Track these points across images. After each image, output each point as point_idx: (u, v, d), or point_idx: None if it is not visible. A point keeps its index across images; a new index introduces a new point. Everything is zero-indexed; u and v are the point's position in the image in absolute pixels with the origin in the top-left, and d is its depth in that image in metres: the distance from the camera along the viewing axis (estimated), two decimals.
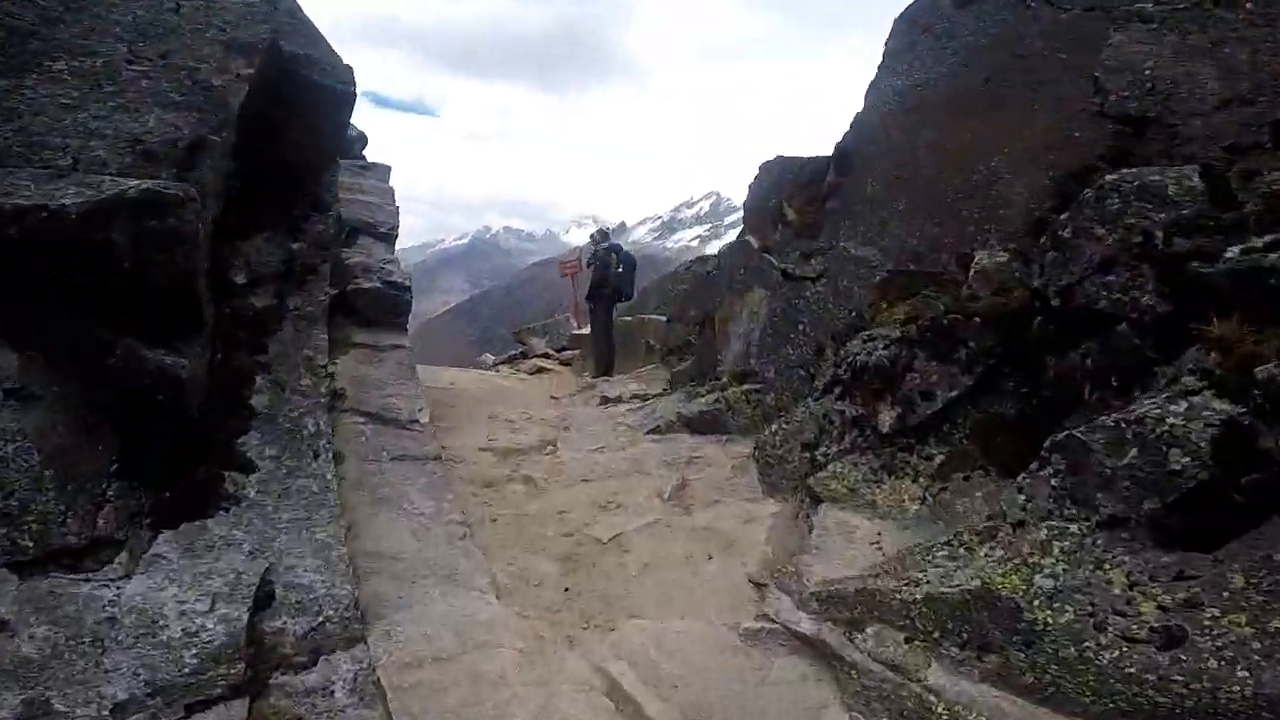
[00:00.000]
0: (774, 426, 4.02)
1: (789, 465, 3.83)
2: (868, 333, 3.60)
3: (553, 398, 7.32)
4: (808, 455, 3.69)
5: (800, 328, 4.56)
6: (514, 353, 12.36)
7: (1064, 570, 2.20)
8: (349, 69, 3.94)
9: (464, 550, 3.33)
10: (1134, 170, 2.59)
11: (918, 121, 4.76)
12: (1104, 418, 2.19)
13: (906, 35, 5.32)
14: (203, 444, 2.92)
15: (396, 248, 5.71)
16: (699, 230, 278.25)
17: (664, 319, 8.36)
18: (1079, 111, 3.75)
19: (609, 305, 8.36)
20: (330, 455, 3.12)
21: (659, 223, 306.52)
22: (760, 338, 4.89)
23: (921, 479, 3.21)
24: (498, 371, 10.81)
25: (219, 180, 2.91)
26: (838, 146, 5.35)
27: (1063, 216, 2.74)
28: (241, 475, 2.97)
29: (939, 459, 3.18)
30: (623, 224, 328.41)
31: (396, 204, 6.24)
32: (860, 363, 3.46)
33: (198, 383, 2.72)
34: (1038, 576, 2.23)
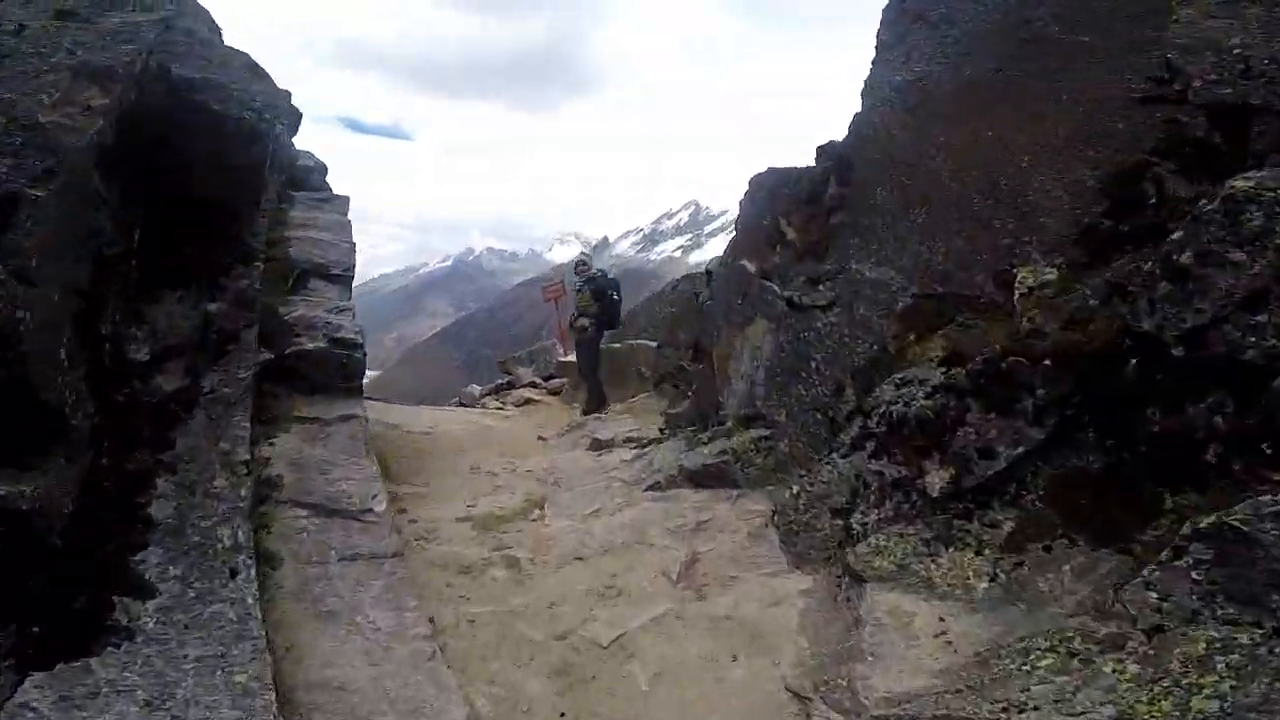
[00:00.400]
0: (795, 488, 3.43)
1: (818, 533, 3.24)
2: (901, 376, 3.03)
3: (540, 439, 6.73)
4: (840, 523, 3.10)
5: (813, 364, 3.99)
6: (500, 382, 11.91)
7: (1232, 688, 1.64)
8: (281, 93, 3.37)
9: (432, 675, 2.70)
10: (1271, 174, 2.04)
11: (924, 120, 4.26)
12: (1270, 499, 1.62)
13: (897, 25, 4.83)
14: (86, 564, 2.29)
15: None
16: (680, 241, 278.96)
17: (654, 344, 7.84)
18: (1115, 99, 3.25)
19: (596, 340, 7.74)
20: (253, 573, 2.49)
21: (641, 235, 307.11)
22: (767, 377, 4.31)
23: (988, 551, 2.63)
24: (484, 407, 10.24)
25: (69, 237, 2.28)
26: (834, 153, 4.82)
27: (1174, 236, 2.18)
28: (136, 602, 2.34)
29: (1008, 526, 2.61)
30: (605, 239, 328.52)
31: (354, 240, 5.62)
32: (897, 414, 2.89)
33: (56, 509, 2.08)
34: (1196, 699, 1.67)
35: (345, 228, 5.61)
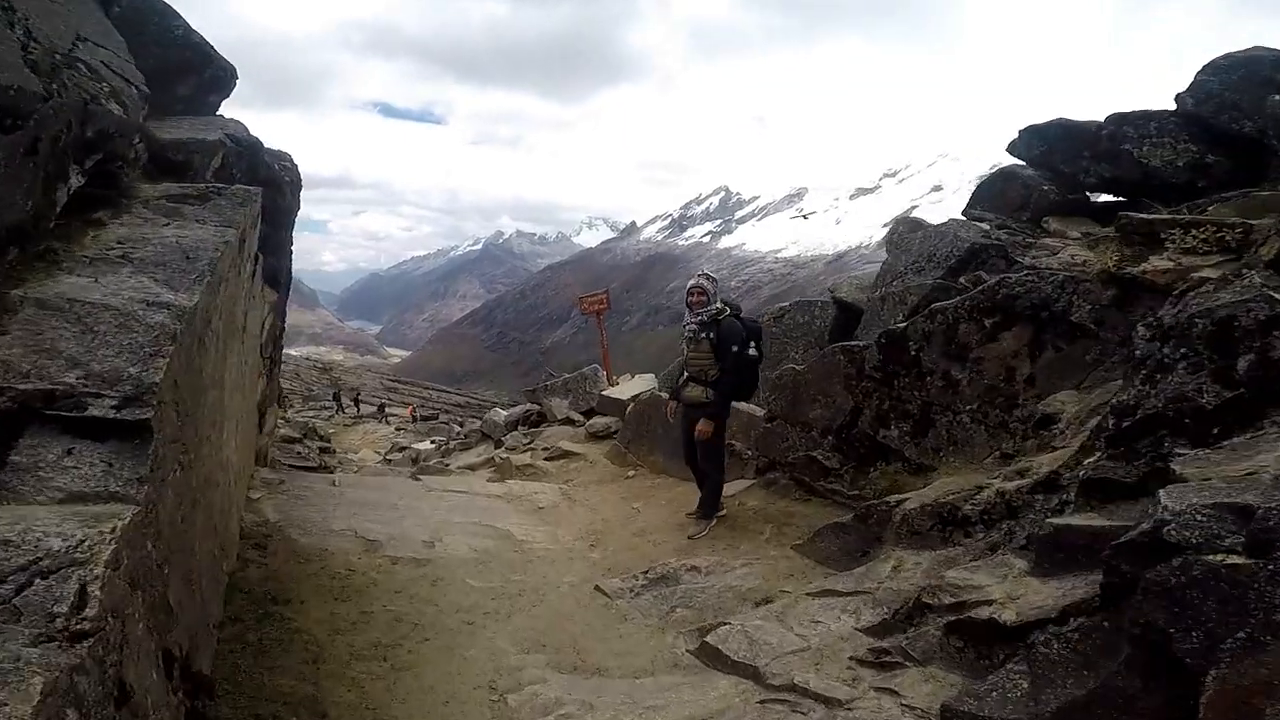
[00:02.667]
0: None
1: None
2: None
3: (600, 591, 3.89)
4: None
5: None
6: (529, 409, 9.89)
7: None
8: None
9: None
10: None
11: None
12: None
13: None
14: None
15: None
16: (710, 226, 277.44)
17: (758, 412, 5.34)
18: None
19: (720, 427, 4.54)
20: None
21: (669, 220, 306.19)
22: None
23: None
24: (508, 451, 8.32)
25: None
26: None
27: None
28: None
29: None
30: (633, 223, 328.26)
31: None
32: None
33: None
34: None
35: (204, 267, 2.41)
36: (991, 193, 5.44)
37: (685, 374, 4.69)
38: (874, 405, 4.18)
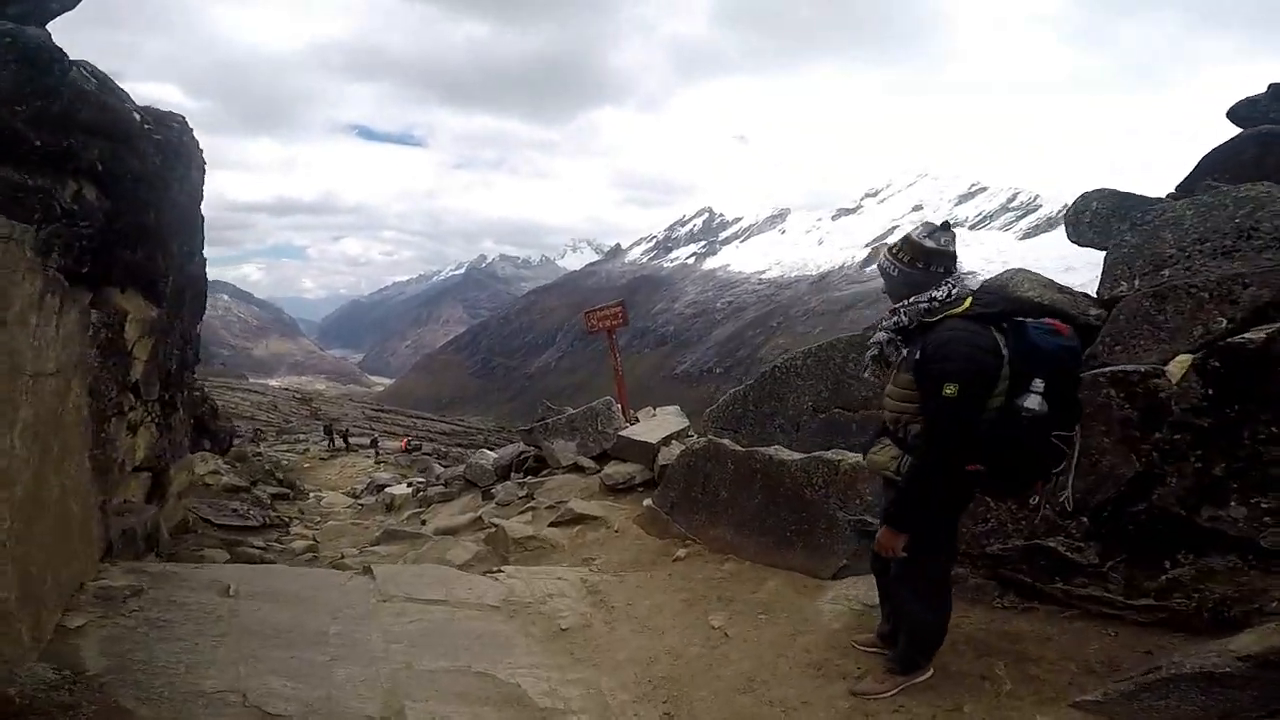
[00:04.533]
0: None
1: None
2: None
3: None
4: None
5: None
6: (523, 450, 7.90)
7: None
8: None
9: None
10: None
11: None
12: None
13: None
14: None
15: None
16: (694, 248, 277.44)
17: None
18: None
19: (950, 519, 2.43)
20: None
21: (654, 242, 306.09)
22: None
23: None
24: (498, 508, 6.48)
25: None
26: None
27: None
28: None
29: None
30: (617, 246, 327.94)
31: None
32: None
33: None
34: None
35: None
36: (1236, 161, 3.70)
37: (889, 427, 2.44)
38: (1190, 470, 2.28)
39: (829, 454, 3.69)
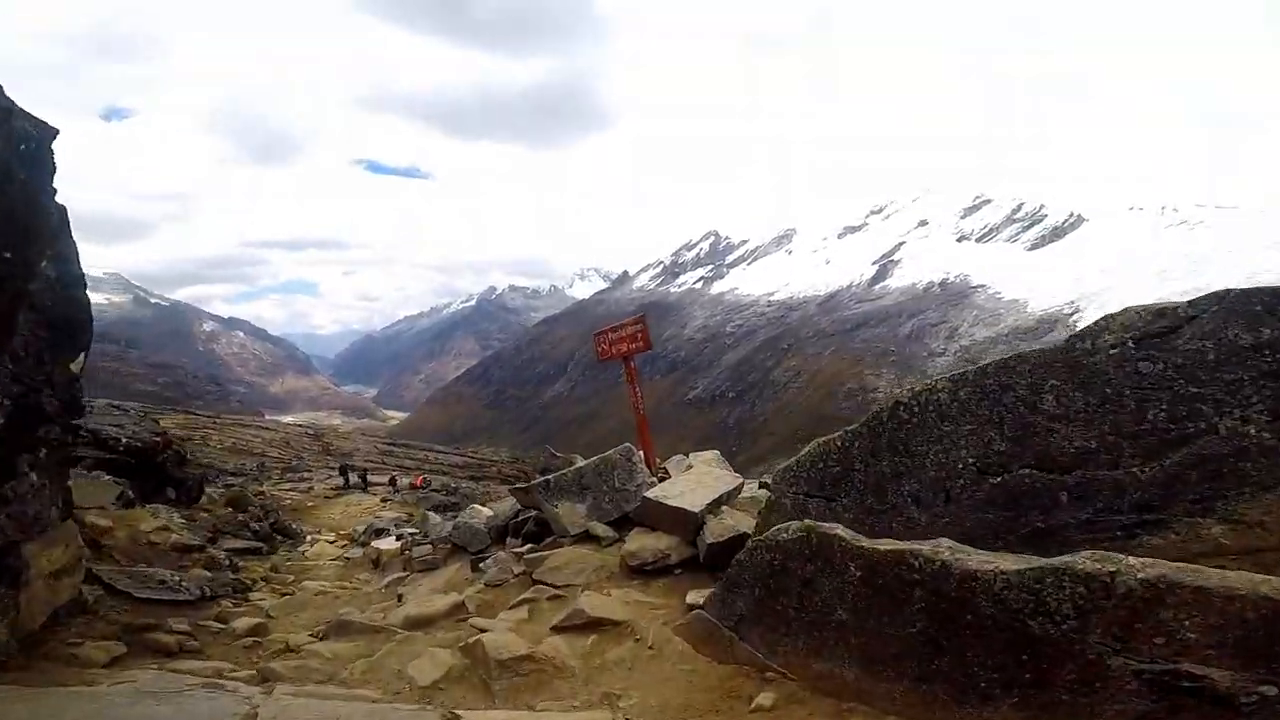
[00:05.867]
0: None
1: None
2: None
3: None
4: None
5: None
6: (519, 515, 6.40)
7: None
8: None
9: None
10: None
11: None
12: None
13: None
14: None
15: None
16: (701, 272, 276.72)
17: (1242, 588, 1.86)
18: None
19: None
20: None
21: (661, 268, 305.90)
22: None
23: None
24: (488, 598, 5.00)
25: None
26: None
27: None
28: None
29: None
30: (625, 272, 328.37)
31: None
32: None
33: None
34: None
35: None
36: None
37: None
38: None
39: (1083, 561, 2.12)
